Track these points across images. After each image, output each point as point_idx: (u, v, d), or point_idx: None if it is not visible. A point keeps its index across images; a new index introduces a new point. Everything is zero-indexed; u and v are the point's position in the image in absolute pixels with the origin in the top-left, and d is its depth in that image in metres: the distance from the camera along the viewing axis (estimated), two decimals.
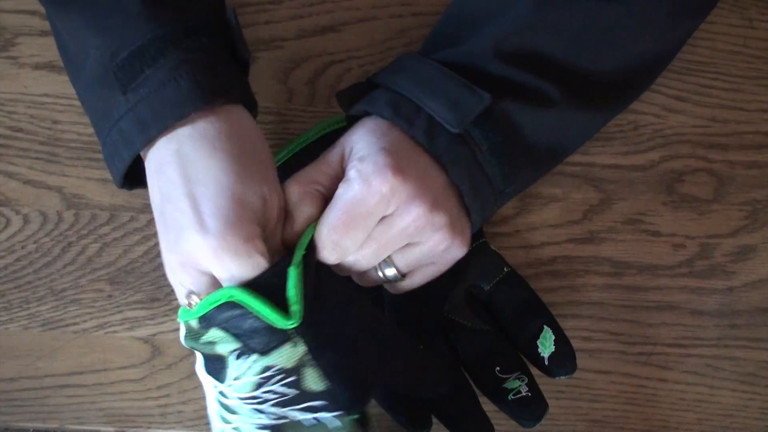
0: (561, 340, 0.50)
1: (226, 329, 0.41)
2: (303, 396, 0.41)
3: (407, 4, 0.55)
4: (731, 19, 0.56)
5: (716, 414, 0.53)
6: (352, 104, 0.47)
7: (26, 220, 0.53)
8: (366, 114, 0.46)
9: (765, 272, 0.54)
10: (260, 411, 0.42)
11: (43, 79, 0.54)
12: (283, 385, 0.41)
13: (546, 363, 0.50)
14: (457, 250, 0.45)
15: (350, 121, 0.48)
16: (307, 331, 0.41)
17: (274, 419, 0.42)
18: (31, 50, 0.54)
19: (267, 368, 0.41)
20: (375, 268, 0.46)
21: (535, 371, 0.50)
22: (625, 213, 0.54)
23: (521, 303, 0.51)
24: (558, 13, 0.45)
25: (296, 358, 0.41)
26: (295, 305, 0.41)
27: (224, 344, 0.41)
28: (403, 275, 0.46)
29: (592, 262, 0.54)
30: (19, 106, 0.54)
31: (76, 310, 0.53)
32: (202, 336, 0.41)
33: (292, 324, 0.40)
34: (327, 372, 0.42)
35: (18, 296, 0.53)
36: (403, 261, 0.45)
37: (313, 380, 0.41)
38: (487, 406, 0.49)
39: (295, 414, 0.42)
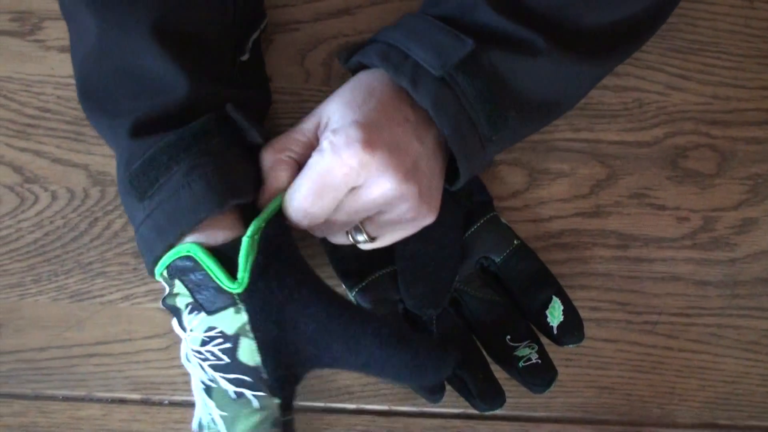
0: (569, 309, 0.51)
1: (183, 282, 0.44)
2: (234, 366, 0.44)
3: None
4: None
5: (720, 381, 0.55)
6: (348, 58, 0.49)
7: (54, 196, 0.55)
8: (360, 65, 0.48)
9: (766, 244, 0.56)
10: (202, 368, 0.44)
11: (69, 61, 0.55)
12: (220, 350, 0.44)
13: (555, 332, 0.51)
14: (424, 219, 0.47)
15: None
16: (251, 300, 0.43)
17: (209, 380, 0.44)
18: (58, 33, 0.56)
19: (210, 328, 0.44)
20: (345, 233, 0.48)
21: (544, 340, 0.51)
22: (631, 187, 0.56)
23: (531, 274, 0.52)
24: None
25: (237, 326, 0.43)
26: (243, 272, 0.43)
27: (182, 298, 0.44)
28: (372, 238, 0.48)
29: (599, 235, 0.55)
30: (46, 88, 0.56)
31: (103, 282, 0.54)
32: (172, 289, 0.44)
33: (235, 289, 0.43)
34: (260, 347, 0.44)
35: (47, 269, 0.55)
36: (372, 227, 0.47)
37: (247, 353, 0.43)
38: (498, 373, 0.51)
39: (223, 382, 0.44)
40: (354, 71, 0.49)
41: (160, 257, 0.44)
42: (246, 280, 0.43)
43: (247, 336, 0.43)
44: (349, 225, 0.47)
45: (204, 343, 0.44)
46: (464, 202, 0.53)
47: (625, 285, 0.55)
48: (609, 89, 0.56)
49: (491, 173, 0.55)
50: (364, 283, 0.52)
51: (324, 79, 0.56)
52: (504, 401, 0.50)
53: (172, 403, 0.54)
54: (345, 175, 0.43)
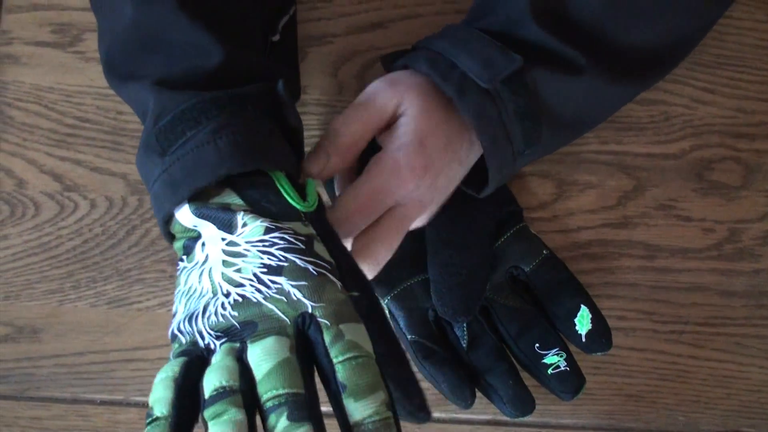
0: (597, 318, 0.52)
1: (242, 196, 0.41)
2: (310, 253, 0.40)
3: (450, 2, 0.58)
4: (757, 15, 0.58)
5: (744, 389, 0.56)
6: (392, 63, 0.49)
7: (93, 204, 0.56)
8: (405, 68, 0.48)
9: None
10: (267, 253, 0.39)
11: None
12: (292, 237, 0.40)
13: (583, 340, 0.52)
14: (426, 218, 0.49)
15: None
16: (317, 221, 0.42)
17: (277, 261, 0.39)
18: (97, 46, 0.57)
19: (276, 225, 0.40)
20: None
21: (572, 348, 0.52)
22: (658, 199, 0.57)
23: (559, 284, 0.53)
24: None
25: (307, 232, 0.41)
26: (312, 196, 0.43)
27: (237, 204, 0.41)
28: None
29: (626, 246, 0.56)
30: (86, 98, 0.57)
31: (140, 289, 0.56)
32: (215, 197, 0.41)
33: (308, 207, 0.42)
34: (334, 253, 0.41)
35: (86, 276, 0.56)
36: None
37: (322, 251, 0.41)
38: (527, 380, 0.52)
39: (299, 261, 0.39)
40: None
41: (169, 216, 0.42)
42: (315, 204, 0.43)
43: (317, 240, 0.41)
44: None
45: (269, 231, 0.40)
46: (495, 213, 0.54)
47: (651, 295, 0.56)
48: (636, 103, 0.57)
49: (521, 185, 0.56)
50: (396, 291, 0.53)
51: (357, 91, 0.57)
52: (533, 408, 0.51)
53: None
54: (400, 195, 0.45)
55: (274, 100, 0.44)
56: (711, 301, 0.56)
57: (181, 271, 0.42)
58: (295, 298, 0.38)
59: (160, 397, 0.35)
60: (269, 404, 0.34)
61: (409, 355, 0.52)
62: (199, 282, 0.40)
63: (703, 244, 0.56)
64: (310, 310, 0.37)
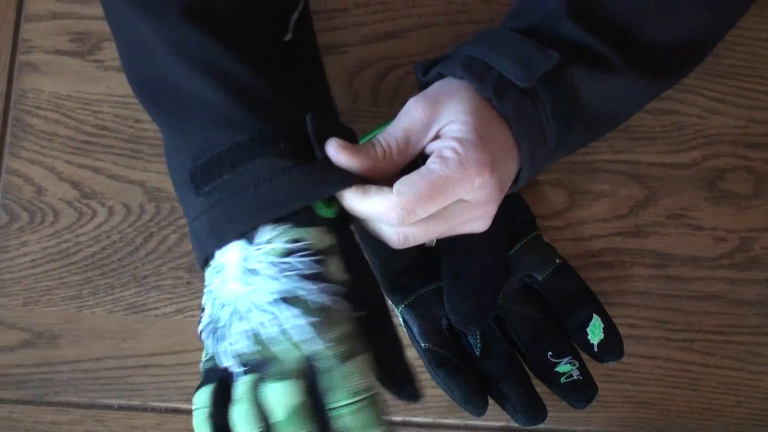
0: (609, 327, 0.53)
1: None
2: (324, 277, 0.42)
3: (464, 12, 0.59)
4: None
5: (755, 397, 0.56)
6: (426, 70, 0.48)
7: (111, 212, 0.57)
8: (439, 76, 0.47)
9: None
10: (286, 273, 0.42)
11: (126, 80, 0.58)
12: (309, 259, 0.42)
13: (595, 349, 0.53)
14: (478, 228, 0.47)
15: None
16: (340, 228, 0.43)
17: (292, 289, 0.42)
18: (115, 54, 0.58)
19: (297, 240, 0.42)
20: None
21: (585, 356, 0.53)
22: (669, 208, 0.57)
23: (572, 292, 0.54)
24: None
25: (326, 243, 0.43)
26: (337, 205, 0.44)
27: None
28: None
29: (638, 254, 0.57)
30: (104, 106, 0.58)
31: (157, 295, 0.56)
32: None
33: (330, 213, 0.43)
34: (349, 267, 0.43)
35: (103, 282, 0.57)
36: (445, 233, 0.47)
37: (336, 268, 0.43)
38: (540, 388, 0.52)
39: (313, 290, 0.42)
40: (426, 84, 0.48)
41: (210, 256, 0.44)
42: (338, 211, 0.44)
43: (335, 253, 0.43)
44: (431, 234, 0.46)
45: (289, 253, 0.42)
46: (508, 222, 0.54)
47: (663, 303, 0.57)
48: (649, 112, 0.57)
49: (534, 193, 0.57)
50: (410, 299, 0.54)
51: (372, 100, 0.58)
52: (546, 416, 0.52)
53: None
54: (464, 189, 0.43)
55: (305, 132, 0.45)
56: (722, 309, 0.57)
57: (209, 268, 0.44)
58: (309, 336, 0.41)
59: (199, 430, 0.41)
60: None
61: (423, 363, 0.53)
62: (220, 289, 0.43)
63: (715, 253, 0.57)
64: (322, 347, 0.41)
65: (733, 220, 0.57)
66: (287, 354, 0.40)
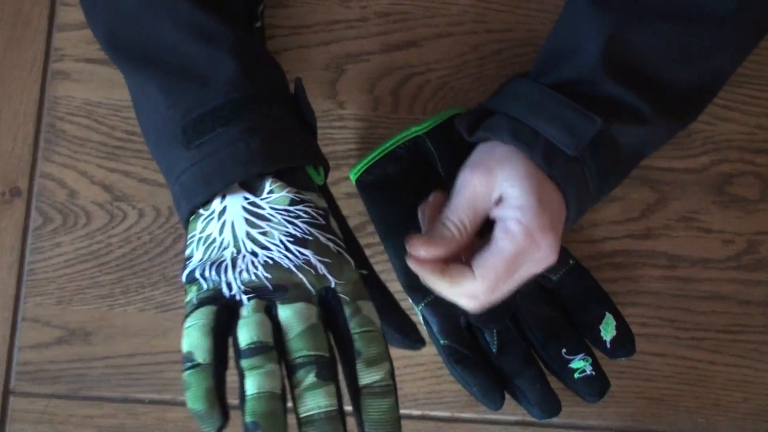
0: (621, 325, 0.55)
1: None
2: (329, 229, 0.45)
3: (480, 21, 0.60)
4: None
5: (762, 393, 0.58)
6: (471, 129, 0.50)
7: (141, 214, 0.59)
8: (487, 139, 0.49)
9: None
10: (292, 223, 0.44)
11: None
12: (314, 212, 0.45)
13: (608, 346, 0.54)
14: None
15: (466, 145, 0.51)
16: (326, 196, 0.47)
17: (303, 234, 0.43)
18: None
19: (300, 197, 0.44)
20: None
21: (598, 354, 0.55)
22: (679, 211, 0.59)
23: (585, 292, 0.56)
24: (653, 28, 0.48)
25: (323, 204, 0.46)
26: (323, 175, 0.47)
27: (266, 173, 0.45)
28: None
29: (649, 256, 0.59)
30: (134, 112, 0.60)
31: None
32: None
33: (320, 180, 0.47)
34: (342, 229, 0.46)
35: (134, 282, 0.59)
36: None
37: (335, 227, 0.46)
38: (554, 384, 0.54)
39: (323, 238, 0.44)
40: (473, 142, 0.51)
41: (199, 206, 0.45)
42: (323, 177, 0.47)
43: (330, 215, 0.46)
44: (501, 294, 0.48)
45: (294, 203, 0.44)
46: None
47: (673, 303, 0.58)
48: None
49: None
50: (429, 298, 0.56)
51: (392, 106, 0.60)
52: (560, 410, 0.54)
53: None
54: (532, 255, 0.46)
55: (292, 98, 0.48)
56: (730, 309, 0.58)
57: (197, 217, 0.45)
58: (321, 273, 0.43)
59: (198, 344, 0.40)
60: (299, 362, 0.40)
61: (442, 359, 0.55)
62: (220, 233, 0.44)
63: (723, 255, 0.59)
64: (332, 285, 0.43)
65: (741, 223, 0.59)
66: (301, 284, 0.42)
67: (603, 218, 0.59)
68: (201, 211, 0.45)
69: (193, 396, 0.39)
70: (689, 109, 0.52)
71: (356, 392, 0.41)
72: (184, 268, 0.44)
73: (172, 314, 0.58)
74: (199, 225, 0.45)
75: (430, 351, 0.56)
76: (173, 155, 0.45)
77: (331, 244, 0.44)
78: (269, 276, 0.42)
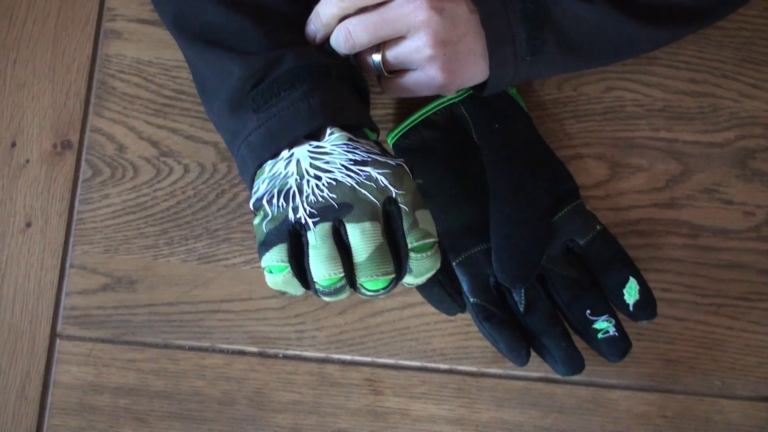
0: (644, 290, 0.57)
1: None
2: (385, 153, 0.49)
3: None
4: None
5: None
6: None
7: (186, 169, 0.62)
8: None
9: None
10: (350, 151, 0.48)
11: None
12: (371, 145, 0.49)
13: (630, 309, 0.56)
14: (438, 73, 0.52)
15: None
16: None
17: (362, 157, 0.47)
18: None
19: (357, 139, 0.49)
20: (367, 52, 0.53)
21: (621, 316, 0.57)
22: (703, 183, 0.61)
23: (611, 256, 0.57)
24: None
25: (378, 149, 0.49)
26: (377, 134, 0.52)
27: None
28: (387, 70, 0.54)
29: (673, 225, 0.61)
30: (182, 72, 0.62)
31: (227, 247, 0.61)
32: None
33: (374, 137, 0.52)
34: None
35: (178, 234, 0.61)
36: (390, 53, 0.53)
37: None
38: (578, 343, 0.56)
39: (380, 157, 0.48)
40: None
41: (261, 164, 0.49)
42: (377, 137, 0.52)
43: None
44: (371, 35, 0.51)
45: (352, 140, 0.48)
46: (553, 190, 0.58)
47: (694, 270, 0.60)
48: (687, 94, 0.62)
49: (578, 165, 0.61)
50: (460, 258, 0.58)
51: None
52: (583, 367, 0.56)
53: (286, 357, 0.60)
54: (411, 19, 0.50)
55: (348, 67, 0.53)
56: (749, 278, 0.60)
57: (266, 165, 0.49)
58: (382, 185, 0.46)
59: (286, 285, 0.46)
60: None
61: (471, 316, 0.58)
62: (285, 167, 0.48)
63: (744, 226, 0.61)
64: (393, 196, 0.46)
65: (762, 196, 0.61)
66: (364, 199, 0.46)
67: (629, 187, 0.61)
68: (268, 162, 0.49)
69: (283, 281, 0.46)
70: (651, 22, 0.54)
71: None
72: (251, 197, 0.48)
73: (214, 266, 0.61)
74: (267, 170, 0.48)
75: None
76: (241, 120, 0.50)
77: (389, 160, 0.47)
78: (334, 196, 0.46)
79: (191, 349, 0.61)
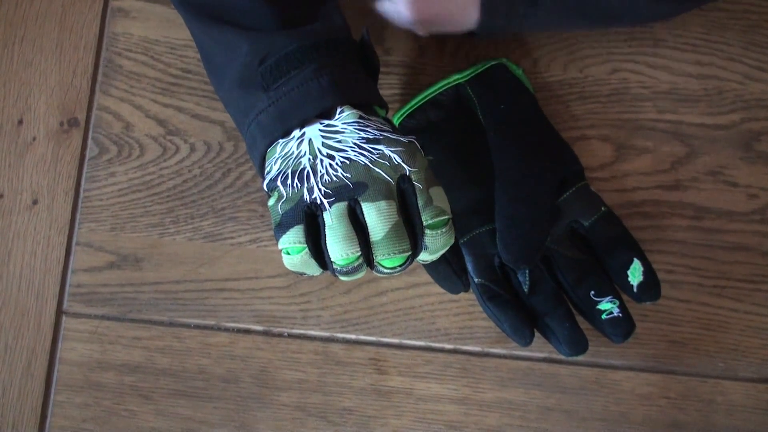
0: (648, 271, 0.57)
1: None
2: (397, 130, 0.49)
3: None
4: None
5: None
6: None
7: (193, 148, 0.62)
8: None
9: None
10: (362, 129, 0.47)
11: None
12: (382, 122, 0.49)
13: (634, 290, 0.56)
14: (404, 8, 0.52)
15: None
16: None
17: (374, 135, 0.47)
18: None
19: (368, 116, 0.49)
20: None
21: (625, 297, 0.57)
22: (708, 165, 0.61)
23: (615, 238, 0.57)
24: None
25: (388, 126, 0.49)
26: (385, 111, 0.52)
27: None
28: None
29: (677, 206, 0.61)
30: (189, 51, 0.63)
31: (233, 226, 0.61)
32: None
33: (383, 113, 0.51)
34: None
35: (184, 212, 0.62)
36: None
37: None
38: (582, 324, 0.56)
39: (391, 135, 0.48)
40: None
41: (272, 143, 0.49)
42: (386, 113, 0.52)
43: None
44: None
45: (363, 118, 0.48)
46: (558, 171, 0.58)
47: (698, 252, 0.61)
48: (693, 77, 0.62)
49: (583, 146, 0.61)
50: (466, 238, 0.58)
51: (437, 53, 0.62)
52: (587, 348, 0.56)
53: (291, 335, 0.61)
54: None
55: (358, 44, 0.52)
56: (752, 260, 0.61)
57: (275, 147, 0.49)
58: (395, 162, 0.46)
59: (304, 266, 0.47)
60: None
61: (475, 296, 0.58)
62: (297, 147, 0.48)
63: (748, 208, 0.61)
64: (407, 173, 0.46)
65: (766, 178, 0.61)
66: (379, 178, 0.46)
67: (634, 169, 0.61)
68: (279, 141, 0.49)
69: (301, 262, 0.46)
70: None
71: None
72: (264, 179, 0.48)
73: (219, 244, 0.61)
74: (278, 149, 0.48)
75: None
76: (250, 98, 0.50)
77: (401, 137, 0.48)
78: (348, 175, 0.46)
79: (197, 327, 0.61)
